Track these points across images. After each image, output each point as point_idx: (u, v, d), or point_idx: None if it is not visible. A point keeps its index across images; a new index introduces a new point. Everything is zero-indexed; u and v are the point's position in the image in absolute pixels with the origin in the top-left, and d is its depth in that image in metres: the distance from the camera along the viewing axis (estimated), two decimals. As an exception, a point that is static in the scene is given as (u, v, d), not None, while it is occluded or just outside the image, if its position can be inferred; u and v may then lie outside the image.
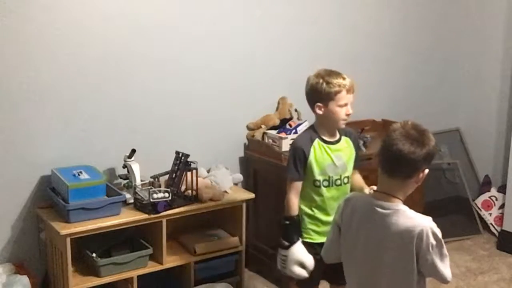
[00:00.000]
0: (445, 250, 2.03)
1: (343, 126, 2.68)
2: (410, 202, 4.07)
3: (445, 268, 2.04)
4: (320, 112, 2.62)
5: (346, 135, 2.75)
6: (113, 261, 3.02)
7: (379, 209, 2.04)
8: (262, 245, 3.75)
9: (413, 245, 1.97)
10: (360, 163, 2.83)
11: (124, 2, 3.25)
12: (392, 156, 1.99)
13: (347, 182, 2.71)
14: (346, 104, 2.62)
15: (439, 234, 2.01)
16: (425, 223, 1.99)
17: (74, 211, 2.88)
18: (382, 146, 2.05)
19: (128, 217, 3.03)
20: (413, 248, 1.98)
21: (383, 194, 2.06)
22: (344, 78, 2.61)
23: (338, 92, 2.58)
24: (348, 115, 2.64)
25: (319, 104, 2.60)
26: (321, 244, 2.40)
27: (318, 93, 2.59)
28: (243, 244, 3.45)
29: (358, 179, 2.78)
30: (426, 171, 2.03)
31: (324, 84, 2.58)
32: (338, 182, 2.68)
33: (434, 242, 1.99)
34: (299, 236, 2.63)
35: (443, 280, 2.06)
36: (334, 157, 2.64)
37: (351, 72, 4.19)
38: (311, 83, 2.63)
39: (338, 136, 2.72)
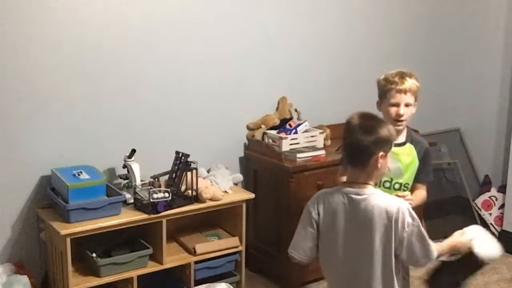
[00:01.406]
0: (423, 231, 2.10)
1: (399, 127, 2.60)
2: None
3: (423, 249, 2.10)
4: (378, 109, 2.63)
5: (412, 143, 2.67)
6: (113, 261, 3.02)
7: (353, 196, 2.14)
8: (262, 245, 3.76)
9: (391, 224, 2.06)
10: (426, 179, 2.72)
11: (124, 2, 3.25)
12: (348, 147, 2.17)
13: (399, 189, 2.60)
14: (397, 104, 2.57)
15: (415, 215, 2.10)
16: (400, 203, 2.12)
17: (74, 211, 2.88)
18: (343, 142, 2.20)
19: (128, 217, 3.03)
20: (391, 229, 2.06)
21: (353, 183, 2.16)
22: (403, 78, 2.60)
23: (389, 90, 2.58)
24: (399, 115, 2.57)
25: (378, 100, 2.64)
26: None
27: (378, 89, 2.66)
28: (243, 244, 3.44)
29: (419, 195, 2.67)
30: (381, 154, 2.11)
31: (383, 81, 2.61)
32: (387, 184, 2.59)
33: (410, 220, 2.07)
34: None
35: (421, 261, 2.12)
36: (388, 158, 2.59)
37: (351, 72, 4.24)
38: (378, 79, 2.66)
39: (403, 139, 2.65)
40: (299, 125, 3.76)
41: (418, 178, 2.65)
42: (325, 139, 3.82)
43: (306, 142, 3.71)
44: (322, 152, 3.62)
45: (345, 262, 2.20)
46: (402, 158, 2.60)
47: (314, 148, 3.67)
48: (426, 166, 2.68)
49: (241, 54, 3.71)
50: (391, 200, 2.14)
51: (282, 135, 3.67)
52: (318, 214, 2.23)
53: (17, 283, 2.90)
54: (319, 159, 3.56)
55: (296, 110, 3.91)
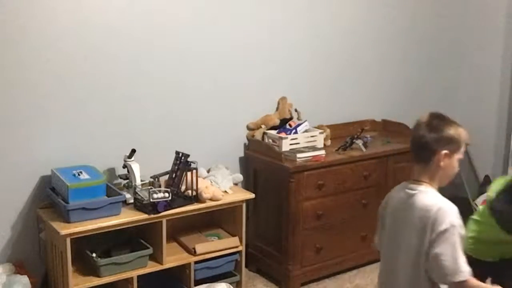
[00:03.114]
0: (458, 242, 1.98)
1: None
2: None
3: (452, 262, 1.96)
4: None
5: None
6: (113, 261, 3.02)
7: (407, 190, 2.14)
8: (262, 245, 3.75)
9: (427, 224, 2.01)
10: None
11: (124, 6, 3.25)
12: (412, 143, 2.14)
13: None
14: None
15: (459, 224, 2.00)
16: (445, 204, 2.04)
17: (74, 211, 2.88)
18: (411, 138, 2.17)
19: (128, 217, 3.03)
20: (426, 229, 2.01)
21: (413, 180, 2.15)
22: None
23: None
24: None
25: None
26: None
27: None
28: (243, 244, 3.44)
29: None
30: (444, 152, 2.06)
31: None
32: None
33: (446, 226, 1.98)
34: None
35: (447, 277, 1.98)
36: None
37: (351, 72, 4.24)
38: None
39: None
40: (299, 125, 3.76)
41: None
42: (325, 139, 3.83)
43: (306, 142, 3.71)
44: (322, 152, 3.62)
45: (385, 256, 2.24)
46: None
47: (314, 148, 3.67)
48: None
49: (241, 54, 3.70)
50: (438, 199, 2.07)
51: (282, 135, 3.67)
52: (384, 207, 2.27)
53: (17, 283, 2.90)
54: (319, 159, 3.56)
55: (296, 110, 3.91)
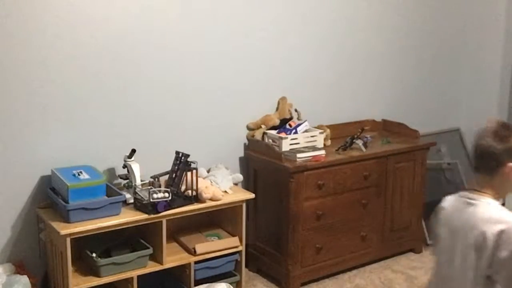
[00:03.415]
0: None
1: None
2: (411, 202, 4.09)
3: None
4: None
5: None
6: (113, 261, 3.02)
7: (467, 200, 2.05)
8: (262, 245, 3.75)
9: (491, 241, 1.89)
10: None
11: (124, 6, 3.25)
12: (476, 152, 2.06)
13: None
14: None
15: None
16: (506, 220, 1.91)
17: (74, 211, 2.88)
18: (472, 147, 2.10)
19: (128, 217, 3.03)
20: (489, 245, 1.90)
21: (472, 190, 2.07)
22: None
23: None
24: None
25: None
26: None
27: None
28: (243, 244, 3.44)
29: None
30: (511, 165, 1.99)
31: None
32: None
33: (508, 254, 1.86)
34: None
35: None
36: None
37: (351, 73, 4.24)
38: None
39: None
40: (299, 125, 3.76)
41: None
42: (325, 139, 3.83)
43: (306, 142, 3.71)
44: (322, 152, 3.62)
45: (441, 264, 2.15)
46: None
47: (314, 148, 3.67)
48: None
49: (241, 54, 3.70)
50: (503, 214, 1.95)
51: (282, 135, 3.67)
52: (437, 220, 2.17)
53: (17, 283, 2.89)
54: (319, 159, 3.56)
55: (296, 110, 3.91)
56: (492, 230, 1.91)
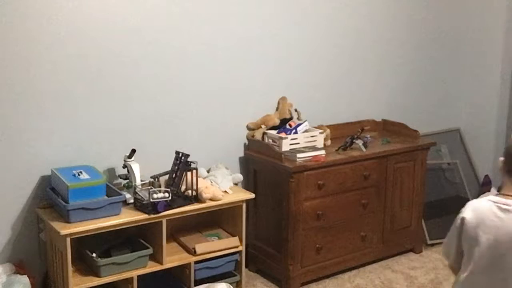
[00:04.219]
0: None
1: None
2: (411, 202, 4.09)
3: None
4: None
5: None
6: (113, 261, 3.02)
7: (502, 206, 2.03)
8: (262, 245, 3.75)
9: None
10: None
11: (125, 6, 3.25)
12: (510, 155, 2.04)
13: None
14: None
15: None
16: None
17: (74, 211, 2.88)
18: (506, 149, 2.10)
19: (128, 217, 3.03)
20: None
21: (508, 196, 2.05)
22: None
23: None
24: None
25: None
26: None
27: None
28: (243, 244, 3.44)
29: None
30: None
31: None
32: None
33: None
34: None
35: None
36: None
37: (352, 72, 4.24)
38: None
39: None
40: (299, 125, 3.76)
41: None
42: (325, 139, 3.83)
43: (306, 142, 3.71)
44: (322, 152, 3.62)
45: (484, 272, 2.10)
46: None
47: (314, 148, 3.67)
48: None
49: (242, 54, 3.70)
50: None
51: (282, 135, 3.67)
52: (463, 219, 2.13)
53: (17, 283, 2.90)
54: (319, 159, 3.56)
55: (296, 110, 3.91)
56: None
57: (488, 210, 2.07)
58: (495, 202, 2.06)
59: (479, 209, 2.10)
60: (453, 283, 2.27)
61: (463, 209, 2.18)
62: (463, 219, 2.13)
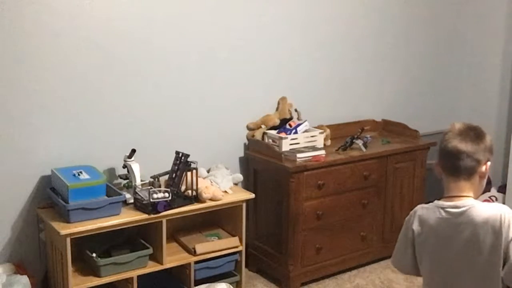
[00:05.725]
0: None
1: None
2: (411, 202, 4.09)
3: None
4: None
5: None
6: (113, 261, 3.02)
7: (451, 210, 1.99)
8: (262, 245, 3.75)
9: (497, 234, 1.90)
10: None
11: (124, 5, 3.25)
12: (452, 158, 1.99)
13: None
14: None
15: None
16: (503, 209, 1.94)
17: (74, 211, 2.88)
18: (440, 152, 2.04)
19: (128, 217, 3.03)
20: (496, 240, 1.90)
21: (452, 197, 2.02)
22: None
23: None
24: None
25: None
26: None
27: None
28: (243, 244, 3.44)
29: None
30: (489, 163, 2.01)
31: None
32: None
33: None
34: None
35: None
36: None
37: (352, 73, 4.24)
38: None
39: None
40: (299, 125, 3.76)
41: None
42: (325, 139, 3.83)
43: (306, 142, 3.71)
44: (322, 152, 3.62)
45: (446, 277, 2.06)
46: None
47: (314, 148, 3.67)
48: None
49: (242, 54, 3.70)
50: (492, 207, 1.96)
51: (282, 135, 3.67)
52: (413, 231, 2.10)
53: (17, 283, 2.89)
54: (319, 159, 3.56)
55: (296, 110, 3.91)
56: (493, 223, 1.90)
57: (435, 215, 2.04)
58: (442, 207, 2.02)
59: (426, 217, 2.07)
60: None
61: (409, 218, 2.14)
62: (412, 231, 2.10)
